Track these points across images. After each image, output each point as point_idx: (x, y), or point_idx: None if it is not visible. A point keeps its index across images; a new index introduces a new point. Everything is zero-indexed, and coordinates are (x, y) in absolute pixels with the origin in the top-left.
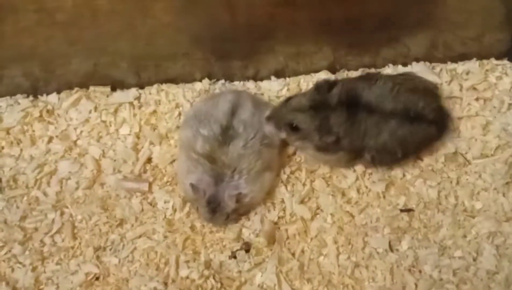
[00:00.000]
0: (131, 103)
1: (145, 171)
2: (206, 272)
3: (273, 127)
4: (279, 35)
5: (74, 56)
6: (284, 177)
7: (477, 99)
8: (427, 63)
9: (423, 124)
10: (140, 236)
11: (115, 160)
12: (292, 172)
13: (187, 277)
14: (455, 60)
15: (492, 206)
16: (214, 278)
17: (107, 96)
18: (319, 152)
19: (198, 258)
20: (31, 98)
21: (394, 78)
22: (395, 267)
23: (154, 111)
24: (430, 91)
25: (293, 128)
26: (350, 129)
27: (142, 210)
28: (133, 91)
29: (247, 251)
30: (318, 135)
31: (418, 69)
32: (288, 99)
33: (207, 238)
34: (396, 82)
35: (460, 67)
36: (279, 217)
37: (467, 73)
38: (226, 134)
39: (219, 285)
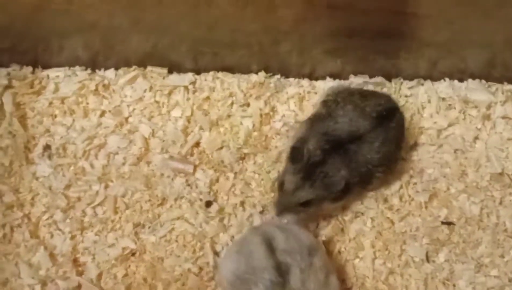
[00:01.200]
0: (185, 87)
1: (191, 154)
2: None
3: (290, 217)
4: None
5: (135, 35)
6: None
7: None
8: (483, 81)
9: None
10: (178, 218)
11: (163, 140)
12: None
13: None
14: (511, 81)
15: None
16: None
17: (163, 77)
18: (339, 201)
19: None
20: (89, 71)
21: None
22: (429, 278)
23: (207, 98)
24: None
25: (305, 204)
26: (349, 164)
27: (184, 191)
28: (189, 76)
29: None
30: (328, 193)
31: (474, 86)
32: (280, 185)
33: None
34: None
35: None
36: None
37: None
38: (281, 272)
39: None
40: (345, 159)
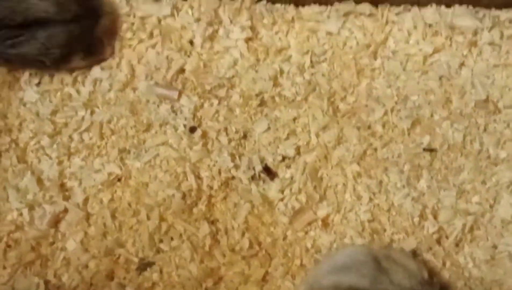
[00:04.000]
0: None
1: (176, 80)
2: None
3: None
4: None
5: None
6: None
7: None
8: (471, 7)
9: None
10: (163, 143)
11: (148, 68)
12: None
13: (205, 188)
14: (499, 6)
15: None
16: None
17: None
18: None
19: (216, 174)
20: None
21: None
22: (410, 203)
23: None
24: None
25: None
26: None
27: (169, 117)
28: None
29: (270, 174)
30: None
31: (461, 12)
32: None
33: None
34: None
35: (504, 14)
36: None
37: (510, 21)
38: None
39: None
40: None
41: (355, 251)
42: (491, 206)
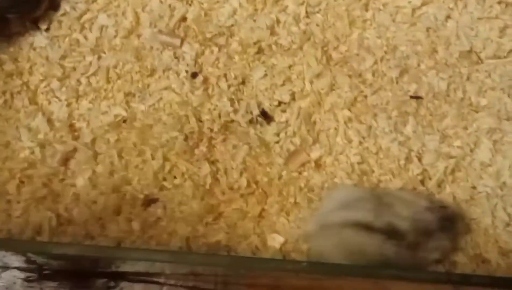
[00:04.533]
0: None
1: (178, 28)
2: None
3: None
4: None
5: None
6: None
7: (499, 3)
8: None
9: None
10: (166, 88)
11: (152, 15)
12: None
13: (206, 130)
14: None
15: (496, 104)
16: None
17: None
18: None
19: (216, 118)
20: None
21: None
22: (397, 146)
23: None
24: None
25: None
26: None
27: (171, 63)
28: None
29: (267, 118)
30: None
31: None
32: None
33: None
34: None
35: None
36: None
37: None
38: None
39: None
40: None
41: (356, 189)
42: (472, 150)
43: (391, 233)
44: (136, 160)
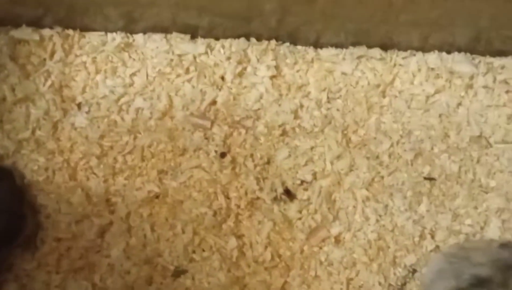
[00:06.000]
0: (205, 52)
1: (208, 111)
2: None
3: None
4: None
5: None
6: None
7: (506, 92)
8: (468, 54)
9: None
10: (196, 167)
11: (184, 99)
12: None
13: (233, 207)
14: (493, 54)
15: (504, 186)
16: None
17: (185, 43)
18: None
19: (243, 195)
20: (122, 34)
21: None
22: (411, 225)
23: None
24: None
25: None
26: None
27: (202, 143)
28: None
29: (290, 196)
30: None
31: (459, 58)
32: None
33: (253, 177)
34: None
35: (497, 61)
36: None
37: (502, 68)
38: None
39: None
40: None
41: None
42: (482, 228)
43: (478, 283)
44: (167, 234)
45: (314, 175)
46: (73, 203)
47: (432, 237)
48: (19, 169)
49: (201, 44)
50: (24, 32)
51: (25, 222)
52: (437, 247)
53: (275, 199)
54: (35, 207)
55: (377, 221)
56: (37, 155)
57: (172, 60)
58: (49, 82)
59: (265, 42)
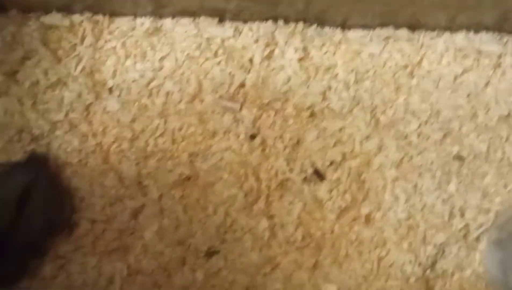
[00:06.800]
0: (233, 36)
1: (237, 94)
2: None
3: None
4: None
5: None
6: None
7: None
8: (496, 33)
9: None
10: (226, 149)
11: (213, 82)
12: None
13: (263, 188)
14: None
15: None
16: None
17: (213, 27)
18: None
19: (273, 176)
20: (150, 19)
21: None
22: (440, 204)
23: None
24: None
25: None
26: None
27: (232, 125)
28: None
29: (319, 177)
30: None
31: (487, 38)
32: None
33: (283, 158)
34: None
35: None
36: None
37: None
38: None
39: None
40: None
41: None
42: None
43: None
44: (199, 215)
45: (343, 155)
46: (106, 185)
47: (462, 215)
48: (53, 152)
49: (229, 27)
50: (55, 18)
51: (64, 209)
52: (467, 225)
53: (305, 180)
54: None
55: (407, 200)
56: (71, 136)
57: (200, 44)
58: (80, 67)
59: (292, 25)
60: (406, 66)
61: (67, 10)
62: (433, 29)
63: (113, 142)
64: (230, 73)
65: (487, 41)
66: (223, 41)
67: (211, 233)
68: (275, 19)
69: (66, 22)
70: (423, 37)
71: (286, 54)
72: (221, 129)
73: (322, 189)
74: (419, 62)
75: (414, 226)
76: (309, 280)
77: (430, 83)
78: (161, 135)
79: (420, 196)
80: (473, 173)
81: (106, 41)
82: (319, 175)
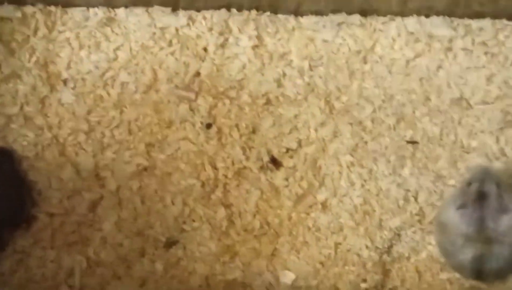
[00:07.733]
0: (187, 24)
1: (193, 83)
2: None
3: None
4: None
5: None
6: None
7: (485, 53)
8: (447, 17)
9: None
10: (183, 138)
11: (168, 72)
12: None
13: (220, 177)
14: (471, 17)
15: (485, 146)
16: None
17: (166, 16)
18: None
19: (230, 165)
20: (103, 9)
21: None
22: (395, 188)
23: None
24: None
25: None
26: None
27: (187, 115)
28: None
29: (276, 164)
30: None
31: (438, 22)
32: None
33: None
34: None
35: (475, 24)
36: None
37: (480, 30)
38: None
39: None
40: None
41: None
42: None
43: None
44: (157, 206)
45: (299, 142)
46: (63, 178)
47: (416, 199)
48: (9, 145)
49: (182, 16)
50: (7, 10)
51: (26, 202)
52: (421, 208)
53: (261, 168)
54: (29, 184)
55: (362, 186)
56: (27, 130)
57: (154, 33)
58: (34, 59)
59: (246, 12)
60: (359, 52)
61: (19, 1)
62: (385, 14)
63: (69, 134)
64: (184, 62)
65: (438, 25)
66: (177, 30)
67: (170, 224)
68: (229, 7)
69: (18, 13)
70: (375, 22)
71: (240, 42)
72: (177, 119)
73: (278, 177)
74: (372, 48)
75: (370, 211)
76: (268, 268)
77: (383, 68)
78: (117, 126)
79: (375, 181)
80: (427, 156)
81: (59, 32)
82: (275, 163)
